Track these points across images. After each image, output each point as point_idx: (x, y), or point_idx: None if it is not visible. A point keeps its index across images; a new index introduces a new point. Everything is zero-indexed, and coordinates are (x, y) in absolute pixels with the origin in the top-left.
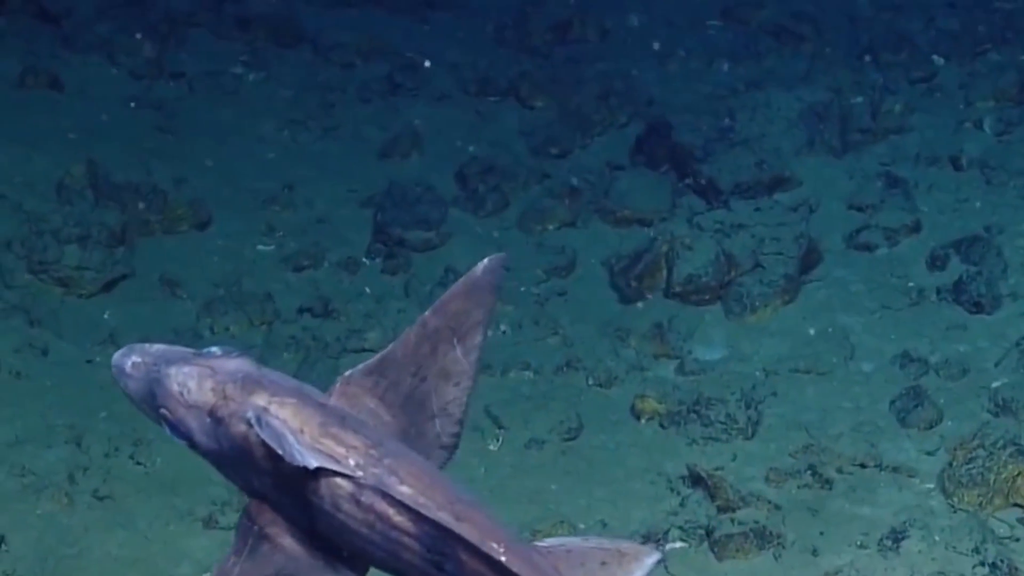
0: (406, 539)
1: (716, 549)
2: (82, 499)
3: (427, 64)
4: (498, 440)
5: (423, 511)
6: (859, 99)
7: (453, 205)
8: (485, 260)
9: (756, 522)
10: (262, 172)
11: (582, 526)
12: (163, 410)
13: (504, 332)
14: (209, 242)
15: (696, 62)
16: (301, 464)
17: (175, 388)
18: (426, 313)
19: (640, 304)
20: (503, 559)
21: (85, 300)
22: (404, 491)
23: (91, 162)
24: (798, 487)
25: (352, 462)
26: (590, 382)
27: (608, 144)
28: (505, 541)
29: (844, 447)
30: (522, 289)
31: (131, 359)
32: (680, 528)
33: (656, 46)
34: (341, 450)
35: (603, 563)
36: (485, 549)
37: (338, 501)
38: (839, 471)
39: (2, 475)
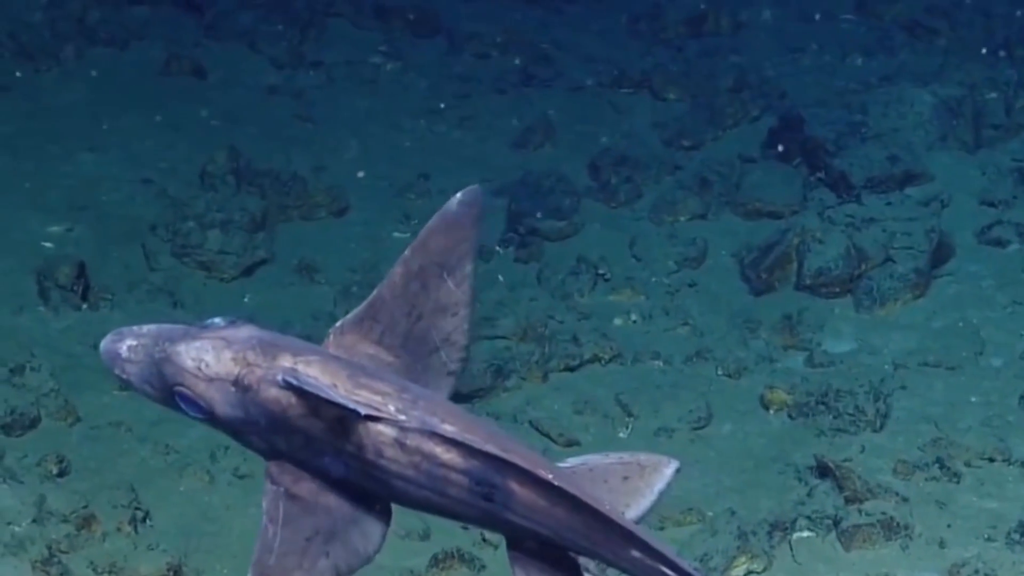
0: (454, 475)
1: (843, 539)
2: (223, 477)
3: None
4: (628, 428)
5: (474, 445)
6: (993, 95)
7: (586, 195)
8: (459, 194)
9: (884, 513)
10: (398, 160)
11: (710, 514)
12: (179, 388)
13: (634, 321)
14: (347, 229)
15: (829, 56)
16: (361, 413)
17: (190, 364)
18: (406, 252)
19: (770, 296)
20: (555, 483)
21: (226, 284)
22: (449, 429)
23: (233, 149)
24: (926, 480)
25: (392, 408)
26: (719, 372)
27: (740, 137)
28: (549, 468)
29: (972, 441)
30: (653, 279)
31: (126, 343)
32: (807, 518)
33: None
34: (378, 398)
35: (625, 478)
36: (539, 475)
37: (381, 448)
38: (967, 465)
39: (147, 452)
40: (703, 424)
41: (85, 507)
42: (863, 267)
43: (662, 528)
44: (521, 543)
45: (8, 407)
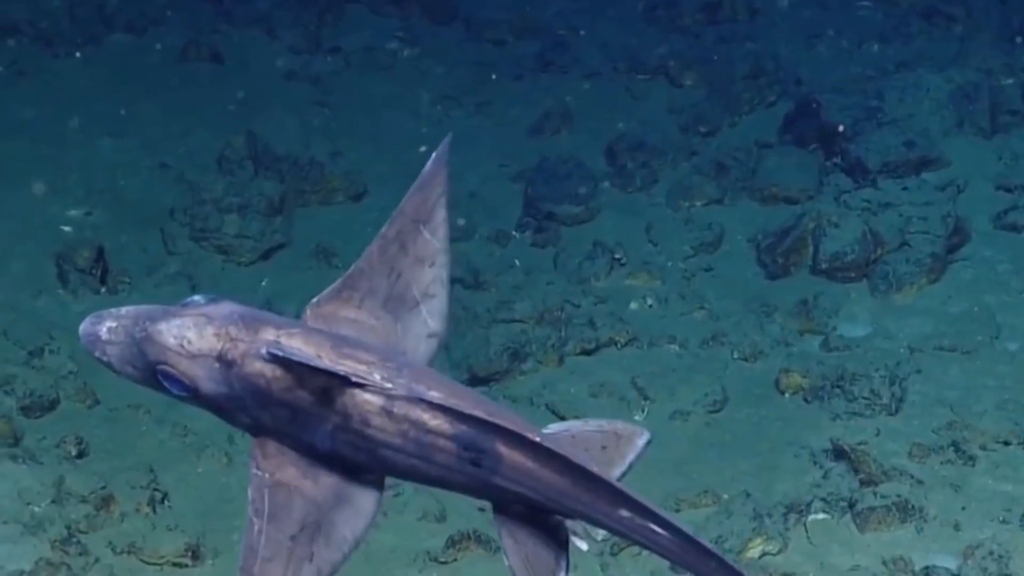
0: (442, 441)
1: (858, 521)
2: (240, 459)
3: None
4: (643, 411)
5: (463, 409)
6: (1009, 81)
7: (602, 180)
8: (433, 154)
9: (899, 496)
10: (415, 146)
11: (725, 496)
12: (162, 366)
13: (651, 306)
14: (364, 213)
15: (846, 42)
16: (350, 379)
17: (172, 342)
18: (382, 229)
19: (786, 280)
20: (544, 444)
21: (244, 268)
22: (436, 396)
23: (250, 134)
24: (941, 463)
25: (378, 376)
26: (735, 356)
27: (756, 123)
28: (536, 432)
29: (988, 424)
30: (669, 264)
31: (105, 325)
32: (823, 500)
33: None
34: (363, 367)
35: (603, 447)
36: (527, 437)
37: (368, 417)
38: (982, 448)
39: (165, 435)
40: (719, 407)
41: (104, 488)
42: (879, 251)
43: (678, 510)
44: (508, 508)
45: (27, 389)
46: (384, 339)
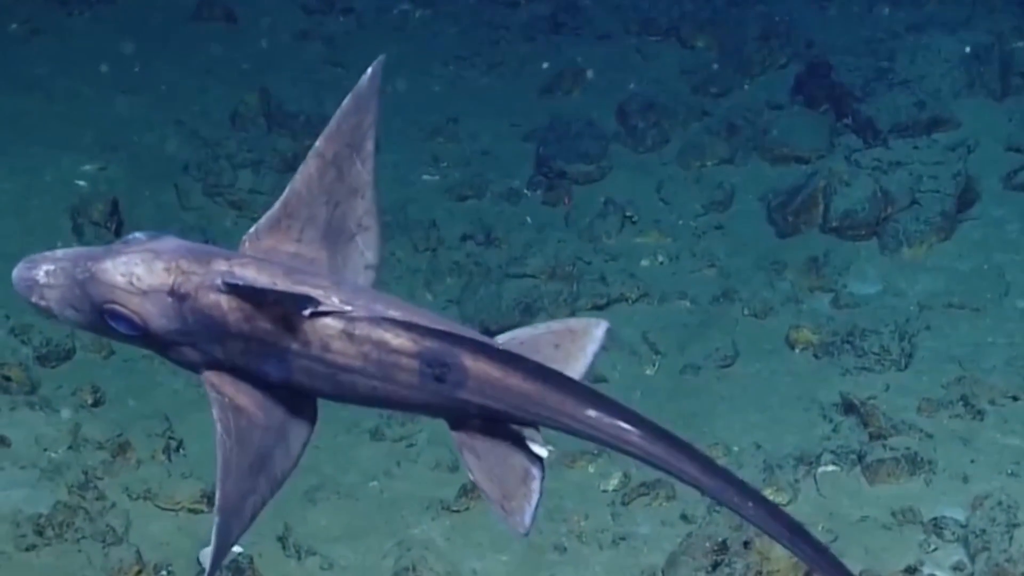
0: (405, 360)
1: (867, 474)
2: None
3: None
4: (655, 365)
5: (428, 324)
6: (1020, 44)
7: (613, 140)
8: (368, 70)
9: (908, 449)
10: (428, 105)
11: (736, 448)
12: (110, 306)
13: (662, 263)
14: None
15: (857, 6)
16: (317, 300)
17: (120, 279)
18: (317, 144)
19: (796, 238)
20: (509, 351)
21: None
22: (396, 314)
23: (264, 91)
24: (950, 417)
25: (336, 300)
26: (746, 312)
27: (768, 84)
28: (494, 342)
29: (996, 380)
30: (680, 222)
31: (42, 268)
32: (832, 452)
33: None
34: (320, 292)
35: (556, 345)
36: (491, 347)
37: (328, 341)
38: (991, 403)
39: (180, 386)
40: (729, 362)
41: (120, 435)
42: (889, 210)
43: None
44: (465, 424)
45: (44, 338)
46: (327, 270)
